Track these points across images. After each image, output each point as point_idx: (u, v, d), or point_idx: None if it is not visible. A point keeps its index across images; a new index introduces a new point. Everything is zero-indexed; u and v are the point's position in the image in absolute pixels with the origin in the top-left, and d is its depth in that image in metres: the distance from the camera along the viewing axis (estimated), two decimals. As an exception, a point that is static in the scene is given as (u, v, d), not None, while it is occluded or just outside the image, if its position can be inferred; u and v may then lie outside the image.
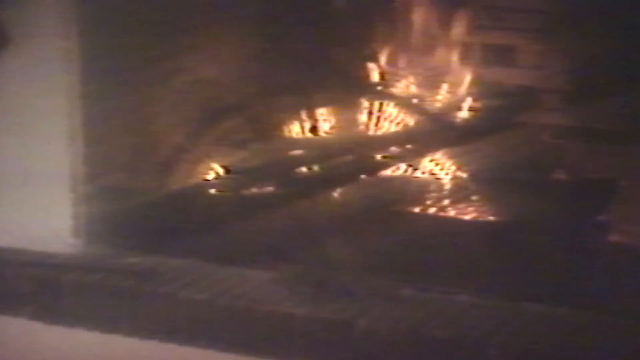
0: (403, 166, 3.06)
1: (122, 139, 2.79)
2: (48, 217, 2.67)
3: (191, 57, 2.90)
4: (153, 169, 2.87)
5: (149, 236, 2.69)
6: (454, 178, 3.02)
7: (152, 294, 2.51)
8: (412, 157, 3.06)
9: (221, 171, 2.99)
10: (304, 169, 3.02)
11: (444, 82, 3.15)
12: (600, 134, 2.92)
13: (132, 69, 2.76)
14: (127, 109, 2.78)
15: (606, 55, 2.86)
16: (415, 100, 3.15)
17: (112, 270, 2.58)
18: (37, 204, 2.66)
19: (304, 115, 3.14)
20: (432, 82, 3.16)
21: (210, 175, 2.97)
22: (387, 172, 3.05)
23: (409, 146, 3.09)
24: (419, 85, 3.17)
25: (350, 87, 3.17)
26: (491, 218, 2.85)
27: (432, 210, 2.88)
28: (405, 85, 3.18)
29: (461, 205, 2.89)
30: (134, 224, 2.73)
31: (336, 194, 2.96)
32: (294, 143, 3.12)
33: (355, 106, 3.19)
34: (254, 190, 2.94)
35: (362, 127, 3.18)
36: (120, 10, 2.69)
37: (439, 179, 3.03)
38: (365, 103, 3.19)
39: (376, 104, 3.17)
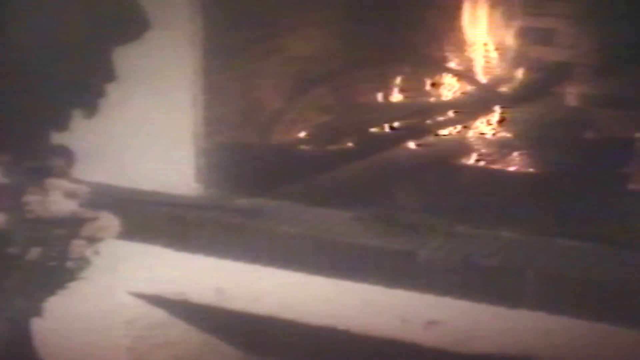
0: (458, 127, 3.09)
1: (234, 104, 2.81)
2: (176, 167, 2.70)
3: (289, 37, 2.91)
4: (258, 128, 2.90)
5: (254, 182, 2.71)
6: (500, 137, 3.04)
7: (256, 228, 2.55)
8: (466, 120, 3.09)
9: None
10: (377, 129, 3.06)
11: (494, 58, 3.16)
12: (624, 101, 2.92)
13: (243, 47, 2.78)
14: (239, 79, 2.80)
15: (630, 35, 2.86)
16: (470, 73, 3.15)
17: (225, 209, 2.61)
18: (168, 155, 2.69)
19: (379, 84, 3.14)
20: (484, 58, 3.16)
21: (302, 134, 3.00)
22: (445, 132, 3.08)
23: (462, 111, 3.11)
24: (473, 61, 3.16)
25: (417, 62, 3.17)
26: (530, 170, 2.88)
27: (481, 163, 2.93)
28: (463, 61, 3.17)
29: (506, 159, 2.92)
30: (243, 172, 2.75)
31: (404, 149, 2.97)
32: (370, 108, 3.13)
33: (421, 77, 3.19)
34: (337, 146, 2.98)
35: (426, 95, 3.19)
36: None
37: (488, 137, 3.05)
38: (429, 75, 3.19)
39: (438, 75, 3.18)
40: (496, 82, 3.15)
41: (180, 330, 2.63)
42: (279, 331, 2.51)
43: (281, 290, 2.50)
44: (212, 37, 2.68)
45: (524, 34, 3.10)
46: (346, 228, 2.53)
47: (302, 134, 3.00)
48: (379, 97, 3.14)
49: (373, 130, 3.05)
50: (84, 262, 2.27)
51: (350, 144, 2.98)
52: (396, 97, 3.17)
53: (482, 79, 3.16)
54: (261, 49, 2.84)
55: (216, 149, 2.74)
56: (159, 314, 2.61)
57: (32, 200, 2.23)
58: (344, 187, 2.74)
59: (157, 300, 2.61)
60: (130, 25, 2.32)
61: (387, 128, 3.06)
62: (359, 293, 2.43)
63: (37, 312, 2.25)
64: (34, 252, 2.21)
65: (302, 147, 2.96)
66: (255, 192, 2.70)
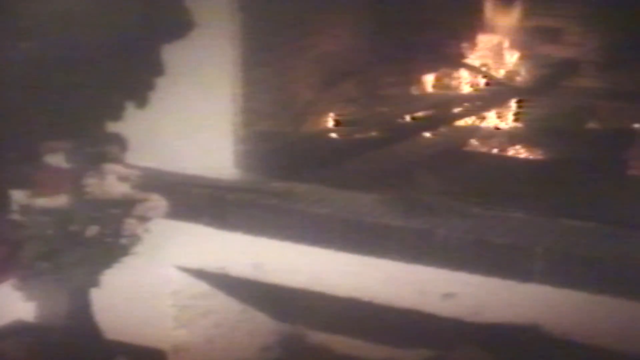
0: (474, 118, 3.07)
1: (269, 96, 2.81)
2: (217, 153, 2.71)
3: (319, 36, 2.92)
4: (291, 118, 2.90)
5: (288, 167, 2.72)
6: (512, 127, 3.03)
7: (289, 209, 2.56)
8: (481, 111, 3.06)
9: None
10: (400, 119, 3.05)
11: (507, 55, 3.13)
12: (625, 94, 2.90)
13: (278, 45, 2.80)
14: (274, 74, 2.81)
15: (632, 33, 2.84)
16: (484, 69, 3.13)
17: (261, 192, 2.62)
18: (210, 143, 2.69)
19: (401, 79, 3.14)
20: (498, 55, 3.13)
21: (331, 123, 3.01)
22: (462, 122, 3.06)
23: (478, 103, 3.09)
24: (488, 57, 3.14)
25: (436, 58, 3.16)
26: (539, 157, 2.86)
27: (495, 151, 2.92)
28: (478, 57, 3.15)
29: (517, 147, 2.91)
30: (277, 157, 2.76)
31: (424, 138, 2.97)
32: (393, 100, 3.11)
33: (440, 72, 3.18)
34: (363, 134, 2.95)
35: (444, 88, 3.18)
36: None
37: (501, 127, 3.04)
38: (448, 70, 3.17)
39: (456, 70, 3.16)
40: (509, 77, 3.14)
41: (221, 301, 2.65)
42: (309, 302, 2.53)
43: (312, 265, 2.51)
44: (250, 36, 2.70)
45: (534, 33, 3.08)
46: (371, 209, 2.54)
47: (331, 124, 3.01)
48: (402, 90, 3.14)
49: (396, 120, 3.05)
50: (135, 239, 2.30)
51: (375, 133, 2.97)
52: (417, 90, 3.17)
53: (496, 74, 3.14)
54: (294, 47, 2.85)
55: (253, 137, 2.75)
56: (201, 286, 2.64)
57: (90, 183, 2.27)
58: (369, 172, 2.73)
59: (200, 274, 2.63)
60: (177, 25, 2.34)
61: (409, 118, 3.06)
62: (382, 268, 2.45)
63: (95, 283, 2.29)
64: (92, 230, 2.24)
65: (331, 135, 2.97)
66: (289, 176, 2.71)
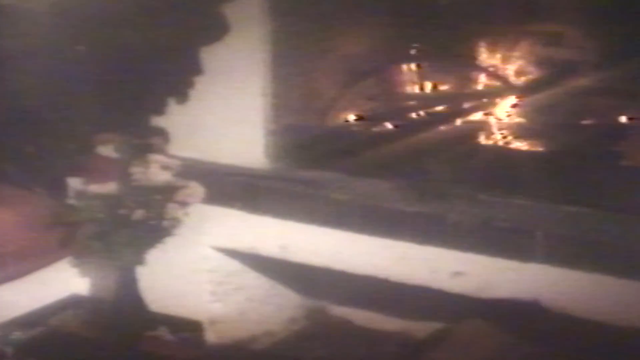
0: (481, 113, 3.08)
1: (297, 93, 2.83)
2: (249, 144, 2.75)
3: (342, 38, 2.93)
4: (316, 113, 2.92)
5: (313, 157, 2.76)
6: (516, 122, 3.02)
7: (314, 195, 2.59)
8: (487, 107, 3.06)
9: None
10: (414, 114, 3.07)
11: (511, 56, 3.11)
12: (617, 92, 2.89)
13: (304, 46, 2.81)
14: (300, 73, 2.83)
15: (627, 37, 2.81)
16: (491, 69, 3.12)
17: (288, 179, 2.66)
18: (242, 135, 2.73)
19: (416, 77, 3.13)
20: (503, 56, 3.11)
21: (353, 118, 3.02)
22: (470, 117, 3.07)
23: (485, 100, 3.09)
24: (494, 58, 3.12)
25: (448, 59, 3.14)
26: (540, 149, 2.88)
27: (500, 143, 2.94)
28: (485, 58, 3.13)
29: (519, 140, 2.92)
30: (304, 148, 2.79)
31: (435, 131, 2.98)
32: (408, 97, 3.12)
33: (451, 72, 3.17)
34: (381, 128, 2.98)
35: (455, 86, 3.17)
36: (298, 6, 2.76)
37: (506, 122, 3.03)
38: (458, 69, 3.16)
39: (465, 70, 3.15)
40: (514, 76, 3.12)
41: (252, 278, 2.69)
42: (331, 279, 2.55)
43: (333, 246, 2.54)
44: (279, 39, 2.73)
45: (536, 37, 3.07)
46: (387, 195, 2.57)
47: (352, 118, 3.02)
48: (416, 88, 3.14)
49: (411, 115, 3.07)
50: (176, 222, 2.36)
51: (391, 127, 2.99)
52: (431, 87, 3.16)
53: (503, 73, 3.13)
54: (319, 48, 2.87)
55: (282, 130, 2.79)
56: (234, 265, 2.68)
57: (137, 172, 2.33)
58: (386, 162, 2.76)
59: (233, 253, 2.67)
60: (214, 29, 2.39)
61: (422, 113, 3.07)
62: (396, 249, 2.47)
63: (140, 261, 2.35)
64: (138, 213, 2.30)
65: (352, 128, 2.98)
66: (314, 165, 2.74)
